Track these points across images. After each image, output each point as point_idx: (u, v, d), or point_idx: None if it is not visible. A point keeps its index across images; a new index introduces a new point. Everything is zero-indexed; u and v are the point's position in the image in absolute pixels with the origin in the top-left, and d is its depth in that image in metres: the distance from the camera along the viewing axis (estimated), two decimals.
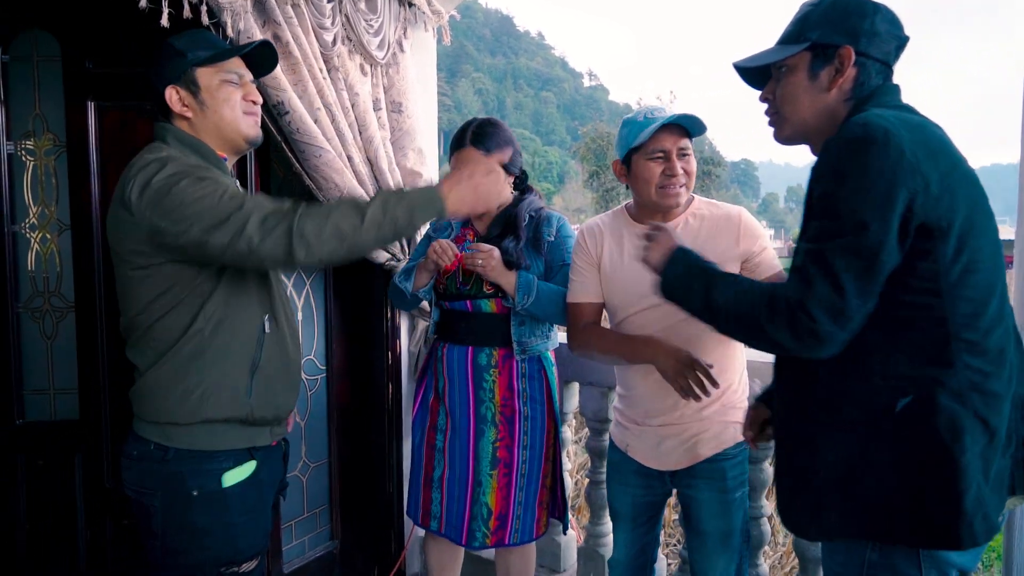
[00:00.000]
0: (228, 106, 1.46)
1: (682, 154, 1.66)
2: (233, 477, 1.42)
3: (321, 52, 2.10)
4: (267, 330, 1.47)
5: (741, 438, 1.63)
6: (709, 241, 1.65)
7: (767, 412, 1.44)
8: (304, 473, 2.48)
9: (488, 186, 1.39)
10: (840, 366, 1.13)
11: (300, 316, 2.43)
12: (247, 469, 1.46)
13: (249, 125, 1.49)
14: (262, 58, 1.54)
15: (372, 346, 2.59)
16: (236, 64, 1.47)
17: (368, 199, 1.34)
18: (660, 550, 2.27)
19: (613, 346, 1.73)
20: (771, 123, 1.29)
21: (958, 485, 1.06)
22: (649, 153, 1.65)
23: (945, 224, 1.05)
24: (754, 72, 1.32)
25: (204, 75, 1.45)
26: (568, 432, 2.49)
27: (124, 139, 2.15)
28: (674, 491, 1.84)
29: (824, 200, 1.10)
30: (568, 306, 1.86)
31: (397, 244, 2.26)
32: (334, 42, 2.14)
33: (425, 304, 2.17)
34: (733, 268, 1.65)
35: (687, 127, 1.65)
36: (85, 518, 2.26)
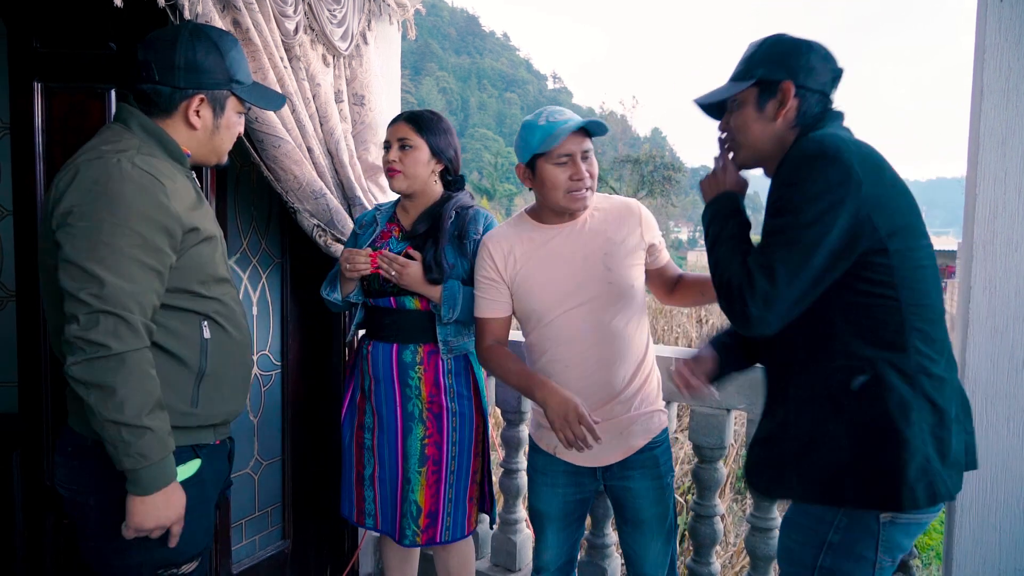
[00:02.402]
0: (230, 140, 1.49)
1: (585, 156, 1.68)
2: (177, 474, 1.36)
3: (282, 40, 2.05)
4: (207, 335, 1.41)
5: (665, 424, 1.82)
6: (616, 230, 1.72)
7: (711, 361, 1.56)
8: (256, 471, 2.42)
9: (175, 511, 1.32)
10: (812, 349, 1.29)
11: (255, 311, 2.38)
12: (191, 467, 1.41)
13: (226, 153, 1.52)
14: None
15: (329, 341, 2.55)
16: None
17: (139, 418, 1.24)
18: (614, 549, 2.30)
19: (510, 377, 1.74)
20: (729, 149, 1.45)
21: (903, 455, 1.21)
22: (555, 158, 1.65)
23: (894, 227, 1.22)
24: (712, 106, 1.47)
25: (232, 104, 1.46)
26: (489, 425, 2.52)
27: (73, 123, 2.07)
28: (603, 486, 1.86)
29: (778, 203, 1.26)
30: (475, 320, 1.85)
31: (321, 214, 2.20)
32: (296, 31, 2.09)
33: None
34: (639, 255, 1.75)
35: (590, 130, 1.68)
36: (23, 516, 2.17)
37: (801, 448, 1.29)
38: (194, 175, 1.49)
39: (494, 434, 3.05)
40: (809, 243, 1.21)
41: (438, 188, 2.04)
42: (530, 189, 1.75)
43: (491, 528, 2.50)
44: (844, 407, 1.26)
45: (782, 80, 1.33)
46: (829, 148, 1.22)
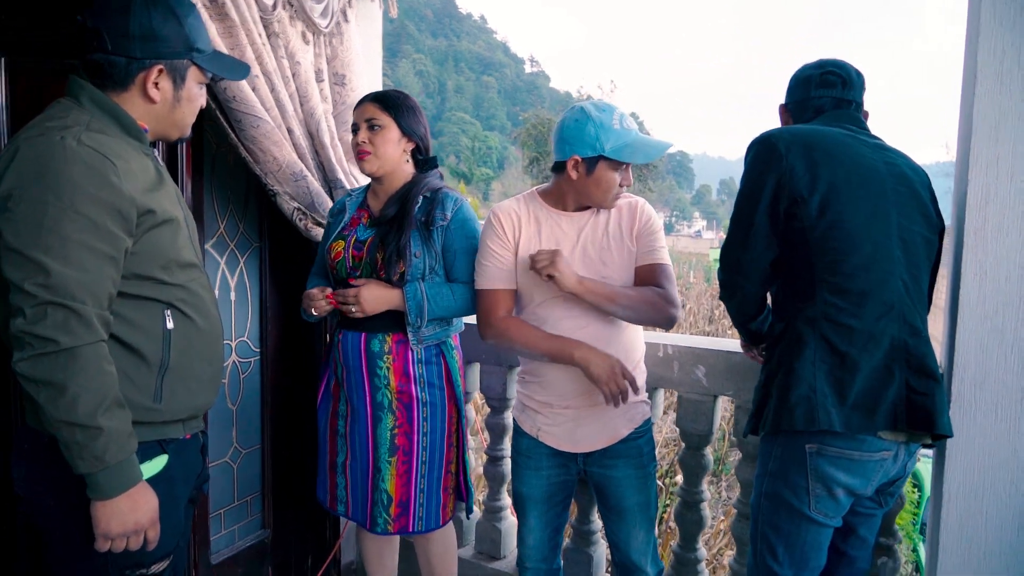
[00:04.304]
0: (193, 113, 1.39)
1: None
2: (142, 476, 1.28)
3: (260, 16, 1.98)
4: (169, 326, 1.32)
5: (648, 414, 1.85)
6: (619, 227, 1.76)
7: None
8: (235, 460, 2.37)
9: (145, 515, 1.25)
10: (773, 308, 1.62)
11: (233, 296, 2.32)
12: (157, 464, 1.33)
13: (190, 127, 1.43)
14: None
15: (309, 327, 2.49)
16: None
17: (96, 418, 1.17)
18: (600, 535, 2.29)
19: (539, 344, 1.71)
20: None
21: (789, 382, 1.44)
22: (616, 165, 1.68)
23: (807, 194, 1.45)
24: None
25: (193, 74, 1.36)
26: (472, 412, 2.49)
27: (46, 101, 1.97)
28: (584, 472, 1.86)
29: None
30: (481, 293, 1.80)
31: (301, 197, 2.15)
32: (274, 6, 2.02)
33: None
34: (630, 245, 1.76)
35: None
36: None
37: (755, 392, 1.57)
38: (155, 153, 1.39)
39: (478, 420, 3.03)
40: (749, 207, 1.51)
41: (409, 169, 1.98)
42: (571, 179, 1.70)
43: (466, 518, 2.47)
44: (770, 351, 1.54)
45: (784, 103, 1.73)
46: (762, 135, 1.54)
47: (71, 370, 1.15)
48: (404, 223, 1.88)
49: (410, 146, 1.96)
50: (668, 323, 1.70)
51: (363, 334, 1.94)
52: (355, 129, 1.94)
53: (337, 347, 2.00)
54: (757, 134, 1.56)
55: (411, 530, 1.99)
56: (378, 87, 2.63)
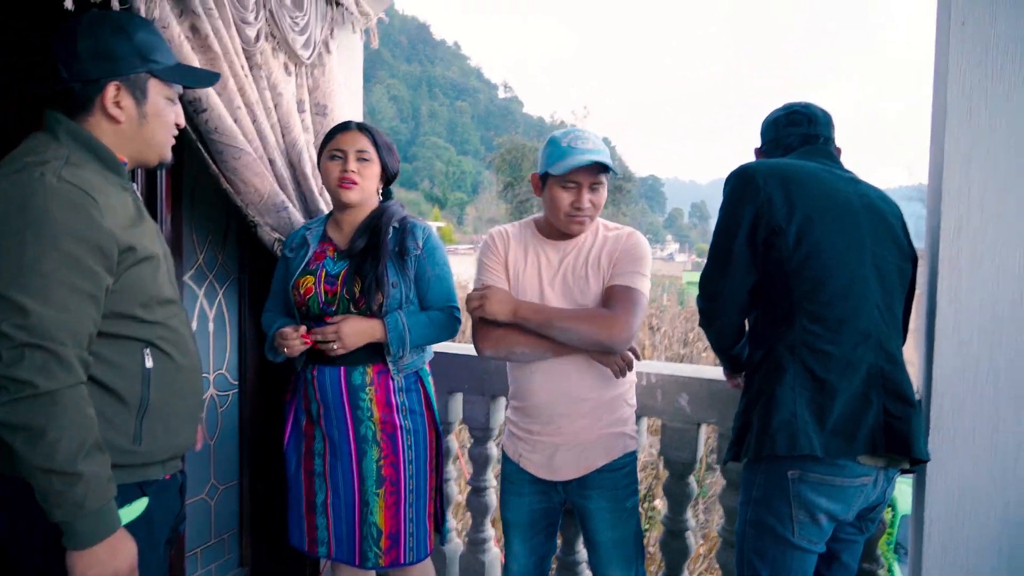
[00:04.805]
0: (164, 129, 1.35)
1: (594, 188, 1.72)
2: (121, 517, 1.23)
3: (243, 48, 1.98)
4: (149, 365, 1.28)
5: (631, 448, 1.80)
6: (605, 258, 1.74)
7: None
8: (212, 496, 2.31)
9: (124, 561, 1.20)
10: (750, 337, 1.64)
11: (211, 327, 2.28)
12: (137, 508, 1.29)
13: (169, 148, 1.38)
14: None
15: (288, 359, 2.46)
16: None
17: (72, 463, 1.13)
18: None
19: (530, 315, 1.70)
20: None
21: (771, 407, 1.46)
22: (563, 181, 1.70)
23: (785, 224, 1.49)
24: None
25: (155, 87, 1.32)
26: (455, 442, 2.47)
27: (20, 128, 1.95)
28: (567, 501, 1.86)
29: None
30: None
31: (283, 228, 2.11)
32: (257, 38, 2.02)
33: None
34: (607, 274, 1.73)
35: (600, 168, 1.69)
36: None
37: (735, 418, 1.59)
38: (135, 188, 1.36)
39: (460, 453, 3.00)
40: (727, 237, 1.54)
41: (375, 200, 2.00)
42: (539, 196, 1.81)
43: (441, 545, 2.44)
44: (750, 379, 1.56)
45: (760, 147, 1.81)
46: (738, 168, 1.58)
47: (50, 414, 1.12)
48: (379, 253, 1.88)
49: (382, 183, 2.00)
50: (609, 347, 1.66)
51: (341, 368, 1.91)
52: (340, 156, 1.91)
53: (311, 383, 1.95)
54: (727, 161, 1.59)
55: (403, 562, 1.95)
56: (359, 117, 2.63)
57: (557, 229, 1.77)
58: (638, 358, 1.74)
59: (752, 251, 1.53)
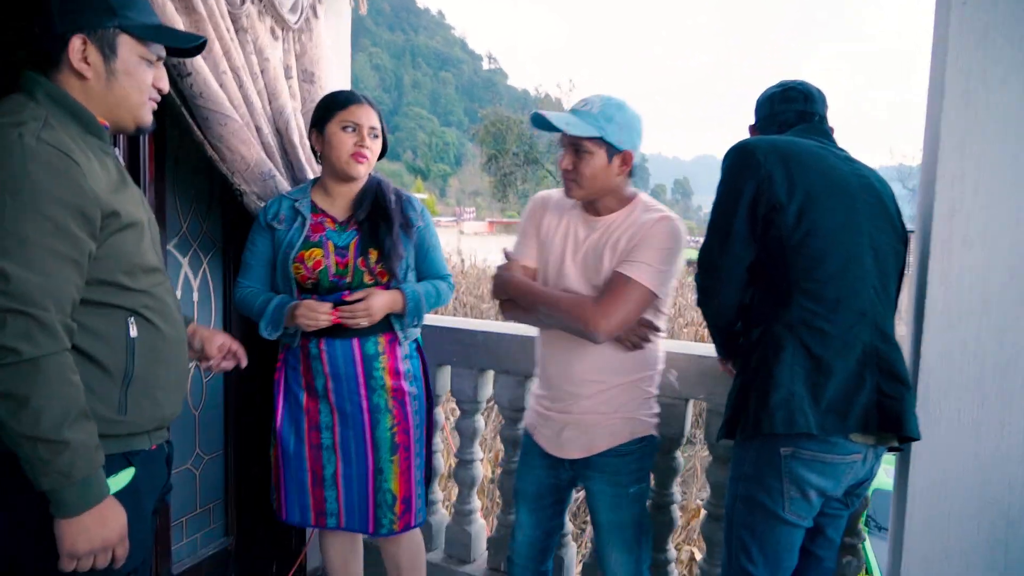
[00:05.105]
0: (137, 89, 1.28)
1: (578, 152, 1.67)
2: (109, 490, 1.22)
3: (228, 10, 1.92)
4: (133, 334, 1.25)
5: (640, 434, 1.77)
6: (628, 240, 1.68)
7: None
8: (197, 466, 2.30)
9: (113, 531, 1.19)
10: (749, 316, 1.60)
11: (196, 297, 2.24)
12: (124, 478, 1.27)
13: (147, 112, 1.32)
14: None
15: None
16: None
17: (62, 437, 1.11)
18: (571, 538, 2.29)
19: (538, 300, 1.72)
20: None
21: (769, 386, 1.45)
22: (560, 143, 1.72)
23: (786, 201, 1.48)
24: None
25: (126, 45, 1.25)
26: (441, 414, 2.47)
27: None
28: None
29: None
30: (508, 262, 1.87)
31: (269, 197, 2.07)
32: (243, 0, 1.96)
33: None
34: (623, 246, 1.69)
35: (537, 124, 1.68)
36: None
37: (731, 396, 1.58)
38: (118, 154, 1.32)
39: (446, 426, 3.01)
40: (727, 213, 1.53)
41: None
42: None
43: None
44: (748, 356, 1.54)
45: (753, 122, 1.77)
46: (738, 144, 1.57)
47: (34, 381, 1.09)
48: (392, 221, 1.92)
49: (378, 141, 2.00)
50: (589, 337, 1.63)
51: (354, 339, 1.92)
52: (352, 128, 1.89)
53: (318, 358, 1.94)
54: (711, 137, 1.56)
55: (413, 524, 2.03)
56: (347, 85, 2.58)
57: (593, 204, 1.75)
58: (657, 330, 1.71)
59: (752, 227, 1.52)
